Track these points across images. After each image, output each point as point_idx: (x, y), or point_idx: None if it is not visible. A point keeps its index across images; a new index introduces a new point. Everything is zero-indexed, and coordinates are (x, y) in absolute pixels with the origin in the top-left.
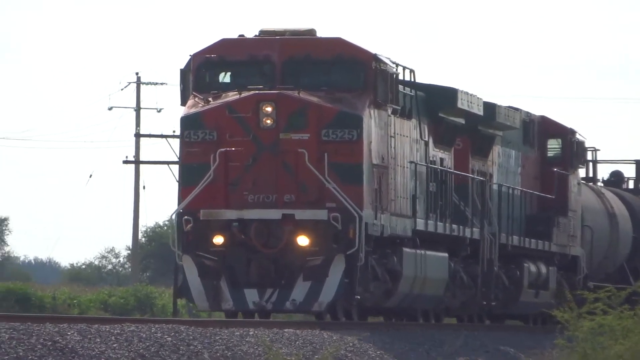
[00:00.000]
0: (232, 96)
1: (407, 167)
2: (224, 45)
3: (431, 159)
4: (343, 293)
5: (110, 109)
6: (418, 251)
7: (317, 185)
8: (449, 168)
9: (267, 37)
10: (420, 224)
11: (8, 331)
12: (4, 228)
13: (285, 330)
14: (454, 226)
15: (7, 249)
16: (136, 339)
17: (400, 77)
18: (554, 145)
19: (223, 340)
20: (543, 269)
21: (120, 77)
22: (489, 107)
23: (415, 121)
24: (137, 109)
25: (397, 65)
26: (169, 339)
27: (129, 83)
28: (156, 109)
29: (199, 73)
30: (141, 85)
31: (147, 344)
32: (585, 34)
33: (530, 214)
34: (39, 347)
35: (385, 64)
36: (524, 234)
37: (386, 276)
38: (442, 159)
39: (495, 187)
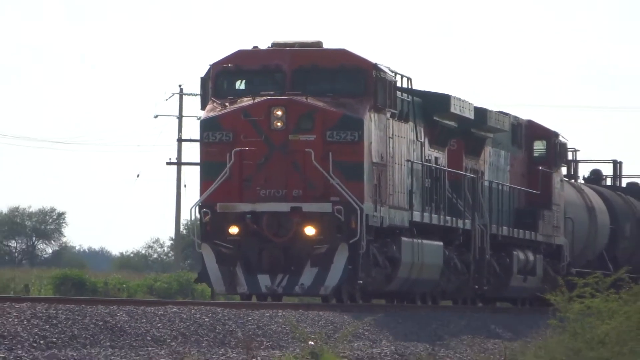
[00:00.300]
0: (246, 101)
1: (404, 165)
2: (239, 55)
3: (426, 157)
4: (347, 278)
5: (156, 116)
6: (415, 240)
7: (323, 182)
8: (443, 166)
9: (279, 49)
10: (417, 216)
11: (64, 312)
12: (61, 221)
13: (310, 312)
14: (448, 218)
15: (64, 239)
16: (178, 319)
17: (398, 84)
18: (539, 147)
19: (254, 320)
20: (531, 256)
21: (165, 88)
22: (481, 112)
23: (412, 124)
24: (180, 117)
25: (395, 73)
26: (207, 319)
27: (173, 94)
28: (196, 117)
29: (217, 81)
30: (183, 95)
31: (188, 323)
32: (569, 44)
33: (518, 207)
34: (91, 326)
35: (385, 72)
36: (513, 225)
37: (386, 263)
38: (436, 158)
39: (486, 183)
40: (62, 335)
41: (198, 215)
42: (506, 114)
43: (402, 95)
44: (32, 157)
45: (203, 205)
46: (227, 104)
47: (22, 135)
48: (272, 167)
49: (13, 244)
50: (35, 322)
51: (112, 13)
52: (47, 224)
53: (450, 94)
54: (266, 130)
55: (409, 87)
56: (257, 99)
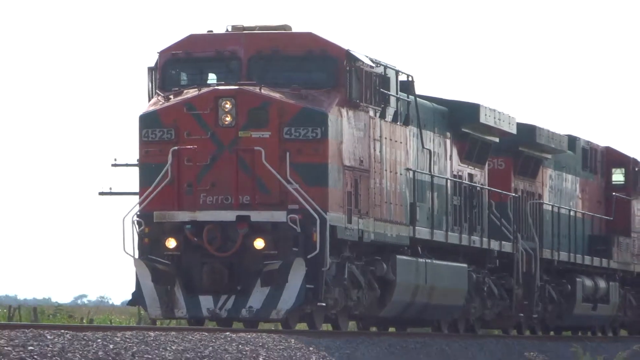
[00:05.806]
0: (191, 93)
1: (400, 174)
2: (190, 40)
3: (455, 172)
4: (305, 300)
5: None
6: (420, 260)
7: (278, 187)
8: (482, 184)
9: (235, 32)
10: (424, 233)
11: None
12: None
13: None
14: (475, 237)
15: None
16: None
17: (396, 81)
18: (618, 174)
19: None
20: (602, 284)
21: None
22: (527, 128)
23: (415, 129)
24: None
25: (385, 67)
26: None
27: None
28: None
29: (165, 70)
30: None
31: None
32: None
33: (591, 234)
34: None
35: (361, 61)
36: (584, 252)
37: (374, 284)
38: (471, 175)
39: (547, 207)
40: None
41: (137, 228)
42: (570, 136)
43: (397, 94)
44: None
45: (140, 214)
46: (171, 96)
47: None
48: (219, 170)
49: None
50: None
51: None
52: None
53: (480, 103)
54: (213, 126)
55: (411, 88)
56: (203, 90)
